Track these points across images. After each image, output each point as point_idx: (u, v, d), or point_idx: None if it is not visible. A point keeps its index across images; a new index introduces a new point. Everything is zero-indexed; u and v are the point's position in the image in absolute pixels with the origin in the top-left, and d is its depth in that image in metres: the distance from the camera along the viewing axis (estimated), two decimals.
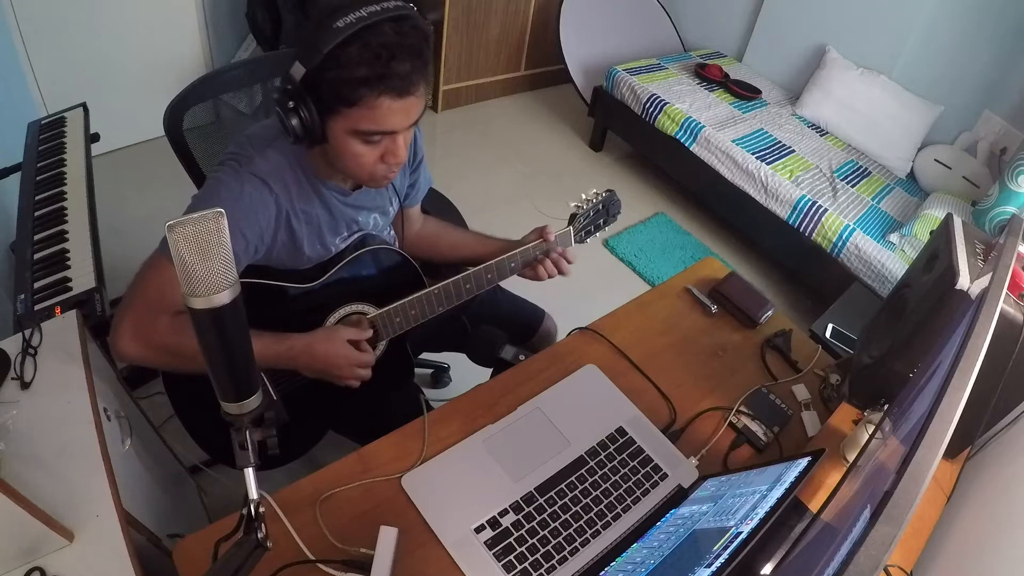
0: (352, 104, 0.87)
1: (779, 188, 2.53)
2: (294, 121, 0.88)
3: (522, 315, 1.46)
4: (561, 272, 1.22)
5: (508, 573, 0.86)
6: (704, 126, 2.72)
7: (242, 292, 0.92)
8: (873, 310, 1.21)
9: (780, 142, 2.78)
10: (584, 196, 1.27)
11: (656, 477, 1.01)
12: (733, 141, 2.66)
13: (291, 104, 0.87)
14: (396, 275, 1.16)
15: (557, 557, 0.89)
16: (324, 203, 1.04)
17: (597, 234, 1.33)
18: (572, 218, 1.25)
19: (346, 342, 1.03)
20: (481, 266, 1.14)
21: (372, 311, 1.12)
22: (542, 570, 0.87)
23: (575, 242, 1.27)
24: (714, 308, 1.33)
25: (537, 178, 3.02)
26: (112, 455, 0.86)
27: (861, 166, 2.81)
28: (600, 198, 1.28)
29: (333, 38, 0.82)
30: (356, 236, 1.14)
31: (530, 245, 1.19)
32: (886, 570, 0.88)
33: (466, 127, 3.29)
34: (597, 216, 1.30)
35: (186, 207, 0.93)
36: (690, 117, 2.76)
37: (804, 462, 0.81)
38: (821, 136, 2.96)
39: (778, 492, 0.77)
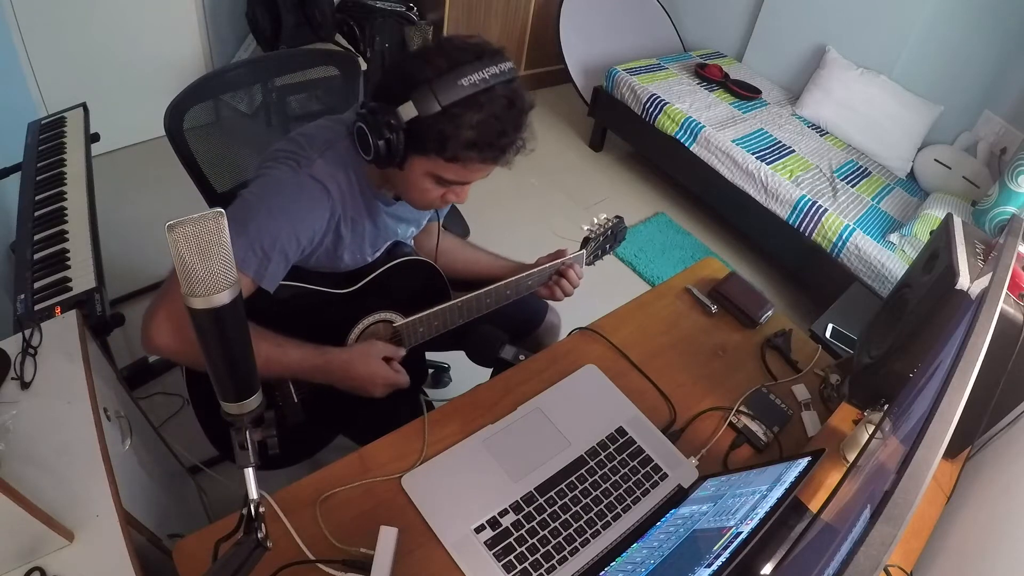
0: (450, 159, 0.91)
1: (779, 188, 2.53)
2: (380, 143, 0.89)
3: (526, 310, 1.47)
4: (573, 285, 1.27)
5: (508, 573, 0.86)
6: (704, 126, 2.72)
7: (276, 292, 0.94)
8: (873, 310, 1.21)
9: (780, 142, 2.78)
10: (596, 221, 1.32)
11: (656, 477, 1.01)
12: (733, 141, 2.66)
13: (386, 132, 0.88)
14: (423, 286, 1.19)
15: (557, 557, 0.89)
16: (371, 212, 1.06)
17: (604, 257, 1.38)
18: (585, 242, 1.30)
19: (381, 360, 1.06)
20: (502, 283, 1.17)
21: (398, 319, 1.14)
22: (542, 570, 0.87)
23: (585, 265, 1.32)
24: (714, 308, 1.33)
25: (537, 178, 3.02)
26: (112, 455, 0.86)
27: (861, 166, 2.81)
28: (610, 224, 1.34)
29: (455, 95, 0.85)
30: (389, 243, 1.16)
31: (547, 265, 1.23)
32: (886, 570, 0.88)
33: None
34: (606, 241, 1.35)
35: (235, 200, 0.94)
36: (690, 117, 2.76)
37: (804, 462, 0.81)
38: (821, 136, 2.96)
39: (778, 492, 0.77)
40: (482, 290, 1.15)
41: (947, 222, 1.05)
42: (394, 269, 1.13)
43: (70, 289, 1.16)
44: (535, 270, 1.21)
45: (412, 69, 0.88)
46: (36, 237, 1.28)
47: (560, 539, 0.91)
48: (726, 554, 0.70)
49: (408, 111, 0.87)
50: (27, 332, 0.94)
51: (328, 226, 0.99)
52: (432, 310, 1.11)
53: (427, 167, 0.94)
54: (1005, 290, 0.80)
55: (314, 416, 1.13)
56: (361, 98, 1.50)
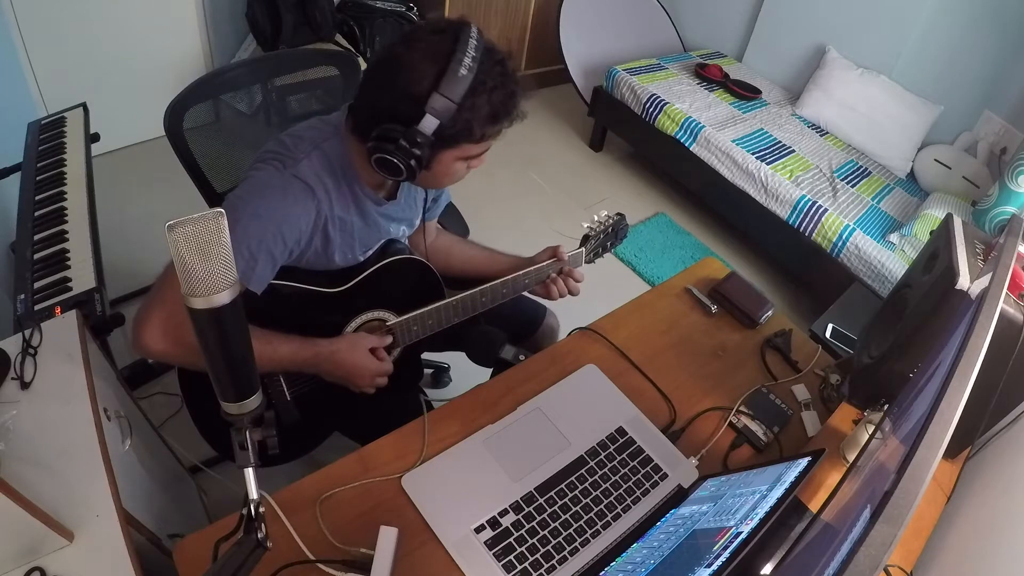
0: (479, 140, 0.94)
1: (779, 188, 2.53)
2: (412, 162, 0.91)
3: (524, 313, 1.47)
4: (571, 292, 1.26)
5: (508, 573, 0.86)
6: (704, 126, 2.72)
7: (268, 292, 0.94)
8: (873, 310, 1.21)
9: (780, 142, 2.78)
10: (596, 218, 1.31)
11: (656, 477, 1.01)
12: (733, 141, 2.66)
13: (416, 151, 0.90)
14: (416, 284, 1.19)
15: (557, 557, 0.89)
16: (361, 211, 1.06)
17: (605, 255, 1.36)
18: (584, 239, 1.29)
19: (368, 352, 1.06)
20: (498, 281, 1.16)
21: (391, 317, 1.14)
22: (542, 570, 0.87)
23: (585, 262, 1.31)
24: (714, 308, 1.33)
25: (537, 177, 3.02)
26: (112, 455, 0.86)
27: (861, 166, 2.81)
28: (611, 221, 1.32)
29: (462, 87, 0.87)
30: (382, 242, 1.16)
31: (544, 264, 1.22)
32: (886, 570, 0.88)
33: None
34: (606, 238, 1.33)
35: (224, 203, 0.93)
36: (690, 117, 2.76)
37: (804, 462, 0.81)
38: (821, 136, 2.96)
39: (778, 492, 0.77)
40: (477, 289, 1.14)
41: (947, 222, 1.05)
42: (387, 268, 1.12)
43: (70, 289, 1.16)
44: (532, 268, 1.20)
45: (409, 86, 0.88)
46: (36, 237, 1.28)
47: (560, 539, 0.91)
48: (726, 554, 0.70)
49: (429, 124, 0.88)
50: (27, 332, 0.94)
51: (315, 226, 0.99)
52: (426, 308, 1.11)
53: (456, 155, 0.96)
54: (1005, 290, 0.80)
55: (308, 414, 1.13)
56: None
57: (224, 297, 0.54)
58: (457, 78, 0.86)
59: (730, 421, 1.11)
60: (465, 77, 0.86)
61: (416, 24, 0.94)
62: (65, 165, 1.46)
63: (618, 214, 1.35)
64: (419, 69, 0.87)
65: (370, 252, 1.14)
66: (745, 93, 3.06)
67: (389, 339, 1.10)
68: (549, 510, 0.94)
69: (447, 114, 0.88)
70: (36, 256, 1.23)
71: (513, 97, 0.93)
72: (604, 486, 0.98)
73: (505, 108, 0.93)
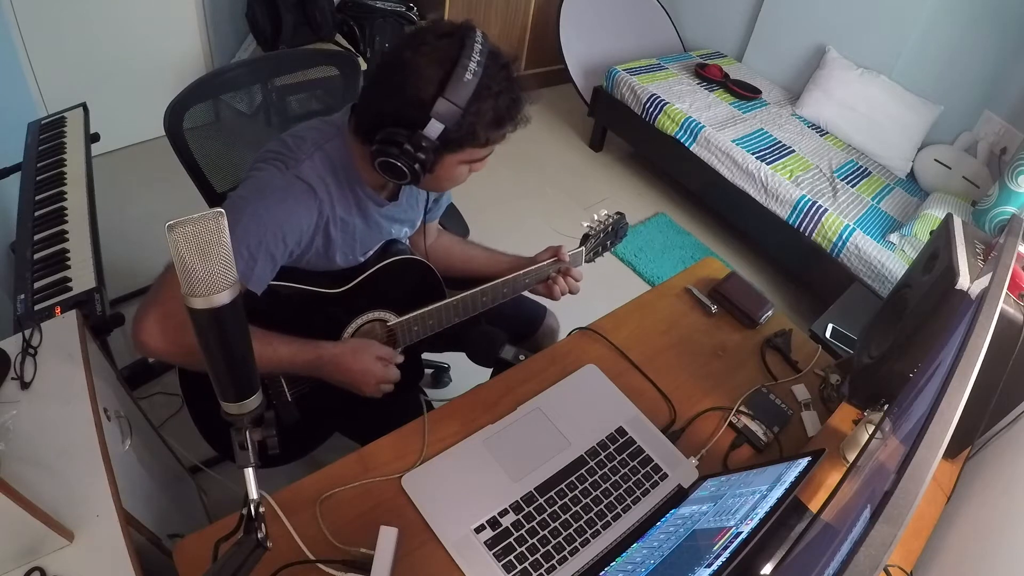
0: (484, 144, 0.95)
1: (779, 188, 2.53)
2: (416, 166, 0.91)
3: (524, 313, 1.47)
4: (570, 290, 1.26)
5: (508, 573, 0.86)
6: (704, 126, 2.72)
7: (269, 293, 0.94)
8: (873, 310, 1.21)
9: (780, 142, 2.78)
10: (596, 217, 1.31)
11: (656, 477, 1.01)
12: (733, 141, 2.66)
13: (420, 155, 0.90)
14: (417, 284, 1.19)
15: (557, 557, 0.89)
16: (362, 212, 1.06)
17: (604, 254, 1.37)
18: (584, 238, 1.29)
19: (375, 358, 1.05)
20: (499, 280, 1.17)
21: (392, 318, 1.14)
22: (542, 570, 0.87)
23: (585, 262, 1.31)
24: (714, 308, 1.33)
25: (537, 178, 3.02)
26: (112, 455, 0.86)
27: (861, 166, 2.81)
28: (611, 220, 1.32)
29: (467, 91, 0.87)
30: (383, 243, 1.16)
31: (544, 263, 1.22)
32: (886, 570, 0.88)
33: None
34: (606, 238, 1.33)
35: (225, 203, 0.93)
36: (690, 117, 2.76)
37: (804, 462, 0.81)
38: (821, 136, 2.96)
39: (778, 492, 0.77)
40: (477, 288, 1.14)
41: (947, 222, 1.05)
42: (388, 268, 1.12)
43: (70, 289, 1.16)
44: (532, 267, 1.21)
45: (414, 90, 0.88)
46: (36, 237, 1.28)
47: (560, 539, 0.91)
48: (726, 554, 0.70)
49: (434, 129, 0.89)
50: (27, 332, 0.94)
51: (316, 227, 0.99)
52: (426, 309, 1.11)
53: (460, 158, 0.96)
54: (1005, 290, 0.80)
55: (308, 415, 1.13)
56: None
57: (224, 297, 0.54)
58: (462, 83, 0.86)
59: (730, 421, 1.11)
60: (470, 82, 0.87)
61: (421, 27, 0.94)
62: (65, 165, 1.46)
63: (618, 213, 1.35)
64: (424, 74, 0.87)
65: (370, 253, 1.14)
66: (745, 93, 3.06)
67: (402, 358, 1.09)
68: (549, 510, 0.94)
69: (452, 119, 0.88)
70: (36, 256, 1.23)
71: (518, 102, 0.94)
72: (604, 486, 0.98)
73: (510, 113, 0.94)
